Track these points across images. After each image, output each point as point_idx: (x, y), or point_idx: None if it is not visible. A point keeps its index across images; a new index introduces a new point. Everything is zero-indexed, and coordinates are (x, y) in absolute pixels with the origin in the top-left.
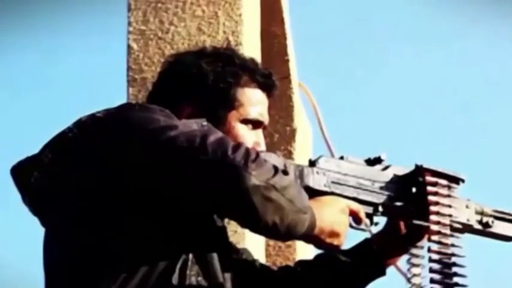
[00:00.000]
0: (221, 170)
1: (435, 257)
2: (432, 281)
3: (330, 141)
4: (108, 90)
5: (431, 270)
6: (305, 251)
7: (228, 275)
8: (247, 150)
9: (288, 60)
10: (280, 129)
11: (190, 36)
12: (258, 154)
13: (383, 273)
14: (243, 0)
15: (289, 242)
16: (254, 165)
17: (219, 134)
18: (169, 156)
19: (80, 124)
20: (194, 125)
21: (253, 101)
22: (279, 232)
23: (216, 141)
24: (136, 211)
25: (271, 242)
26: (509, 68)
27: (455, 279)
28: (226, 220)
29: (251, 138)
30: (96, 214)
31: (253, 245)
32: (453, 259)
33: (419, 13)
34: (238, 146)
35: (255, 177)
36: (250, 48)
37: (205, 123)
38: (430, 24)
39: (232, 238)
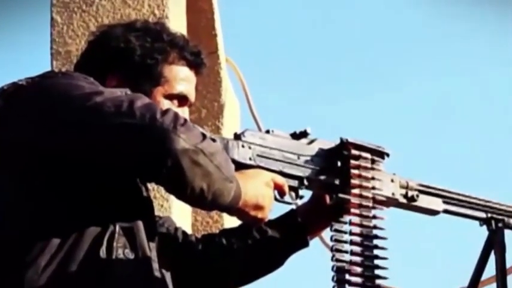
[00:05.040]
0: (150, 133)
1: (356, 230)
2: (352, 253)
3: (258, 116)
4: (32, 64)
5: (351, 243)
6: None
7: (153, 245)
8: (176, 115)
9: (215, 35)
10: (207, 105)
11: (115, 9)
12: (186, 119)
13: (306, 245)
14: None
15: (216, 217)
16: (183, 129)
17: (145, 99)
18: (96, 121)
19: (2, 93)
20: (118, 92)
21: (180, 78)
22: (205, 199)
23: (144, 106)
24: (63, 181)
25: (199, 217)
26: None
27: (376, 252)
28: (152, 194)
29: None
30: (22, 186)
31: (180, 219)
32: (374, 232)
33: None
34: (166, 110)
35: (184, 141)
36: (176, 22)
37: (129, 92)
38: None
39: (159, 212)
